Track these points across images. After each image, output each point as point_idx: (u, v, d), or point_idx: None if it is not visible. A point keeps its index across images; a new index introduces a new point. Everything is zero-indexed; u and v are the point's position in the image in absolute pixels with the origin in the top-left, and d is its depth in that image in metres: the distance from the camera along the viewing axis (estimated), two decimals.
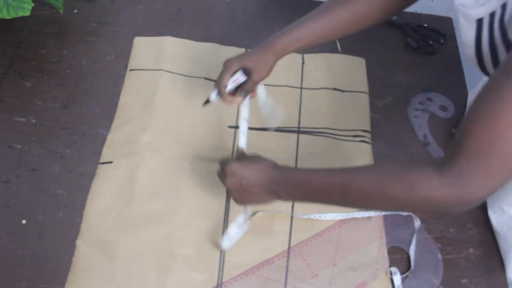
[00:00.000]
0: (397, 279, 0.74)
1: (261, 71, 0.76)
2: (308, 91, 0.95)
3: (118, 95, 0.91)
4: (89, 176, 0.81)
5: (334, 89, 0.95)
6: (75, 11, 1.03)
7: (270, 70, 0.77)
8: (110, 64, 0.96)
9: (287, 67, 0.98)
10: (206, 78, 0.94)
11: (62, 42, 0.98)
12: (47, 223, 0.76)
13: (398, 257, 0.77)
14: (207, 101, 0.78)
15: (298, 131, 0.89)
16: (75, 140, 0.85)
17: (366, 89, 0.97)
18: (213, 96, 0.78)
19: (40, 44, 0.97)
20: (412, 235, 0.79)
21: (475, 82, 1.02)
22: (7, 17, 0.84)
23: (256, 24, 1.06)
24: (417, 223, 0.80)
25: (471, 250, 0.79)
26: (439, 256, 0.78)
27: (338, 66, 1.00)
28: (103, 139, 0.85)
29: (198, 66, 0.96)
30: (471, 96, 0.94)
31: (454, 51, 1.05)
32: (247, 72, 0.76)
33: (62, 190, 0.79)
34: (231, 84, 0.77)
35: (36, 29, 0.99)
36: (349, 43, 1.04)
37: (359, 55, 1.02)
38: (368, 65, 1.00)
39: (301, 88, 0.96)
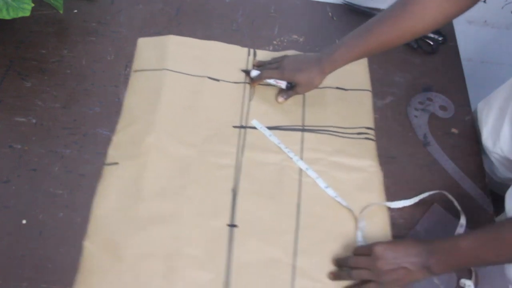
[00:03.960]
0: None
1: (307, 87, 0.88)
2: (312, 90, 0.95)
3: (118, 95, 0.91)
4: (90, 176, 0.81)
5: (337, 88, 0.95)
6: (75, 11, 1.03)
7: (315, 87, 0.88)
8: (110, 64, 0.96)
9: None
10: (209, 77, 0.94)
11: (62, 42, 0.98)
12: (47, 223, 0.76)
13: None
14: (247, 72, 0.94)
15: (303, 129, 0.89)
16: (75, 140, 0.85)
17: (369, 87, 0.97)
18: (254, 73, 0.92)
19: (40, 44, 0.97)
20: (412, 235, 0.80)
21: (475, 82, 1.03)
22: (7, 17, 0.84)
23: (256, 24, 1.06)
24: (418, 225, 0.80)
25: None
26: None
27: None
28: (104, 139, 0.85)
29: (201, 64, 0.96)
30: (481, 107, 0.93)
31: (454, 51, 1.05)
32: (290, 86, 0.90)
33: (62, 190, 0.79)
34: (272, 81, 0.90)
35: (36, 29, 0.99)
36: None
37: None
38: (368, 65, 1.00)
39: None
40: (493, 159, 0.89)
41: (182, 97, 0.91)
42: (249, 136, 0.87)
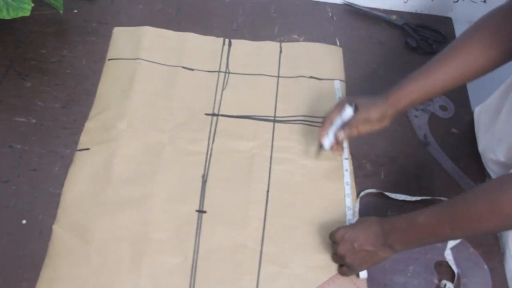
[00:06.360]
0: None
1: (369, 110, 0.78)
2: (285, 80, 0.96)
3: None
4: None
5: (311, 77, 0.96)
6: (75, 11, 1.03)
7: (381, 117, 0.78)
8: None
9: (264, 56, 0.99)
10: (183, 67, 0.95)
11: (62, 42, 0.98)
12: (47, 223, 0.76)
13: (398, 256, 0.77)
14: (321, 148, 0.81)
15: (274, 120, 0.90)
16: (75, 140, 0.85)
17: (343, 77, 0.98)
18: (327, 143, 0.80)
19: (40, 44, 0.97)
20: None
21: (475, 83, 1.02)
22: (7, 17, 0.84)
23: (256, 24, 1.06)
24: None
25: (471, 250, 0.79)
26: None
27: (315, 55, 1.01)
28: None
29: (176, 55, 0.97)
30: (478, 111, 0.93)
31: None
32: (353, 106, 0.78)
33: (62, 190, 0.79)
34: (339, 121, 0.79)
35: (36, 29, 0.99)
36: (349, 42, 1.04)
37: (359, 55, 1.02)
38: (368, 65, 1.00)
39: (278, 76, 0.96)
40: (488, 169, 0.87)
41: (156, 85, 0.92)
42: (221, 123, 0.88)
